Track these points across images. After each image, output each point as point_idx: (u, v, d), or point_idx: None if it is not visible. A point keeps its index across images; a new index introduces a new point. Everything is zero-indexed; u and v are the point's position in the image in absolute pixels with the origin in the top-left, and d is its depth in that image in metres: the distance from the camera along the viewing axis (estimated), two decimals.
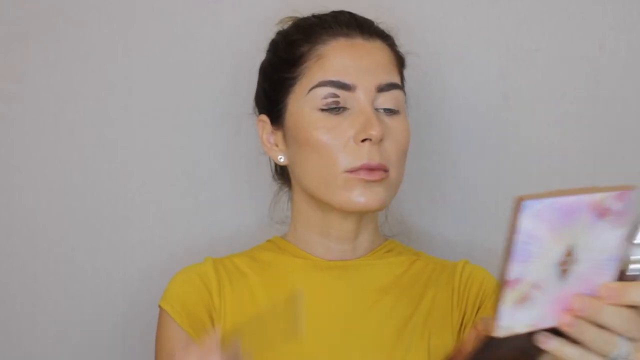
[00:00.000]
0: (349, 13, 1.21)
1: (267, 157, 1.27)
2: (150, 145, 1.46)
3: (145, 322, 1.46)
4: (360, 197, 1.12)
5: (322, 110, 1.14)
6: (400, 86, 1.18)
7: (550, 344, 0.80)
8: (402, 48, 1.25)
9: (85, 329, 1.47)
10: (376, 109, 1.14)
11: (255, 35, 1.35)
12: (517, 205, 0.73)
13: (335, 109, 1.14)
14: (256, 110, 1.26)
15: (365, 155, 1.11)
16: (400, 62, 1.23)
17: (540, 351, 0.81)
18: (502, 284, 0.76)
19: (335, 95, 1.13)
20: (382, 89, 1.15)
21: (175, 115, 1.46)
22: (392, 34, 1.23)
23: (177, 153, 1.46)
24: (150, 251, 1.46)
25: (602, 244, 0.79)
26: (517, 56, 1.45)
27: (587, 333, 0.79)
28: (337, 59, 1.15)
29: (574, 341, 0.80)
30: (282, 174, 1.26)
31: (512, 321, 0.77)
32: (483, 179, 1.47)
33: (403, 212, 1.43)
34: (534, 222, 0.74)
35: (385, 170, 1.13)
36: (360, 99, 1.13)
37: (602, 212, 0.77)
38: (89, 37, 1.44)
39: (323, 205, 1.17)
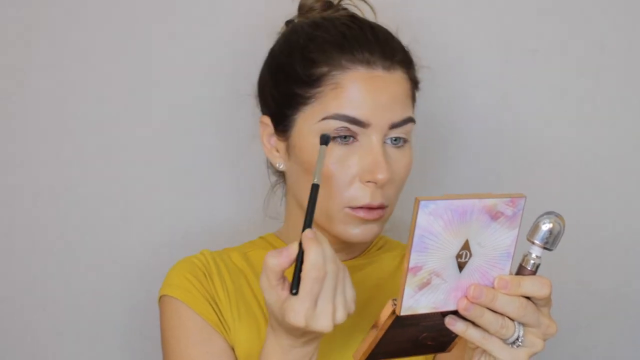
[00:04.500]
0: (371, 28, 1.15)
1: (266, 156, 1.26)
2: (150, 145, 1.46)
3: (145, 321, 1.46)
4: (356, 230, 1.12)
5: (332, 139, 1.10)
6: (412, 119, 1.14)
7: (457, 325, 0.91)
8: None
9: (85, 328, 1.47)
10: (385, 142, 1.12)
11: (255, 35, 1.35)
12: (416, 205, 0.85)
13: (345, 138, 1.10)
14: (258, 101, 1.22)
15: (369, 196, 1.10)
16: (415, 87, 1.18)
17: (453, 332, 0.92)
18: (405, 270, 0.86)
19: (348, 129, 1.10)
20: (395, 125, 1.11)
21: (175, 115, 1.46)
22: (410, 49, 1.18)
23: (177, 153, 1.46)
24: (150, 251, 1.46)
25: (495, 242, 0.89)
26: (517, 56, 1.45)
27: (483, 317, 0.89)
28: (354, 92, 1.10)
29: (479, 325, 0.90)
30: (279, 172, 1.25)
31: (414, 303, 0.88)
32: (483, 179, 1.47)
33: (402, 211, 1.43)
34: (430, 219, 0.85)
35: (384, 208, 1.12)
36: (372, 138, 1.10)
37: (494, 215, 0.88)
38: (89, 37, 1.44)
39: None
